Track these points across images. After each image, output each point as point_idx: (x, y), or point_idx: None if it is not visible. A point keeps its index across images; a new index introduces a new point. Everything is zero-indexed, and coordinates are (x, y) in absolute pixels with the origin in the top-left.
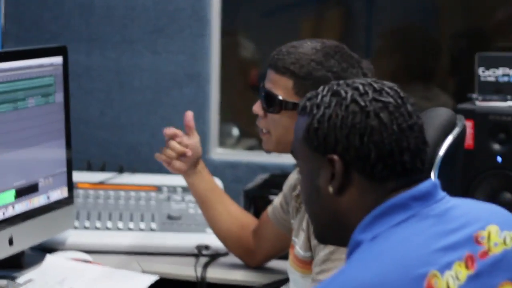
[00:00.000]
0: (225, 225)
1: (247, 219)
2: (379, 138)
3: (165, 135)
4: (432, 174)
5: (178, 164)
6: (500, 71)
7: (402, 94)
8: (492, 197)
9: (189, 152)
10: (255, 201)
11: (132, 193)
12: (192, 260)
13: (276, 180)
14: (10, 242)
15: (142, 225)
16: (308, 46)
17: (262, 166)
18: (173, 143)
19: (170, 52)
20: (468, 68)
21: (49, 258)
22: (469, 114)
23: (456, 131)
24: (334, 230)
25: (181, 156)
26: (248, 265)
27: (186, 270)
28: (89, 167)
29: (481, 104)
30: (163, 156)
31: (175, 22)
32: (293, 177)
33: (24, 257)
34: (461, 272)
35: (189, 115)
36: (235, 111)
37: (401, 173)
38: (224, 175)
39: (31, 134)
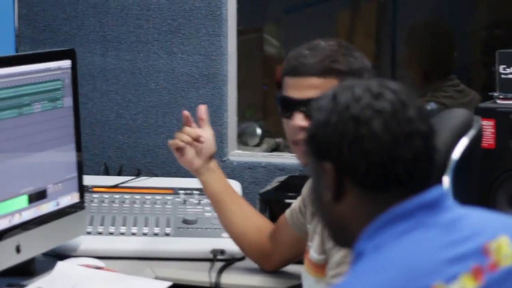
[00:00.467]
0: (239, 227)
1: (262, 222)
2: (369, 147)
3: (183, 116)
4: (446, 178)
5: (190, 155)
6: None
7: (405, 98)
8: None
9: (203, 139)
10: (271, 205)
11: (148, 197)
12: (207, 265)
13: (293, 182)
14: (18, 250)
15: (157, 230)
16: (326, 44)
17: (281, 168)
18: (187, 128)
19: (185, 53)
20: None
21: (60, 264)
22: (490, 113)
23: (471, 133)
24: (340, 234)
25: (195, 146)
26: (264, 270)
27: (200, 275)
28: (106, 170)
29: (502, 102)
30: (177, 140)
31: (191, 22)
32: None
33: (34, 264)
34: (469, 285)
35: (202, 108)
36: (259, 110)
37: (395, 183)
38: (242, 177)
39: (38, 140)
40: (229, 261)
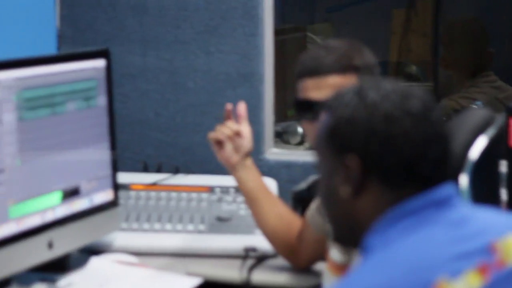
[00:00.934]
0: (271, 225)
1: (294, 221)
2: (400, 146)
3: (225, 109)
4: (463, 178)
5: (229, 149)
6: None
7: (429, 101)
8: None
9: (242, 134)
10: (303, 203)
11: (184, 194)
12: (239, 262)
13: None
14: (50, 246)
15: (190, 227)
16: (338, 43)
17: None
18: (229, 122)
19: (223, 52)
20: None
21: (94, 260)
22: None
23: (490, 132)
24: (349, 231)
25: (235, 136)
26: (294, 267)
27: (231, 272)
28: (145, 168)
29: None
30: (218, 133)
31: (228, 21)
32: None
33: (69, 259)
34: (474, 281)
35: (241, 105)
36: None
37: (419, 181)
38: (279, 175)
39: (71, 138)
40: (260, 259)
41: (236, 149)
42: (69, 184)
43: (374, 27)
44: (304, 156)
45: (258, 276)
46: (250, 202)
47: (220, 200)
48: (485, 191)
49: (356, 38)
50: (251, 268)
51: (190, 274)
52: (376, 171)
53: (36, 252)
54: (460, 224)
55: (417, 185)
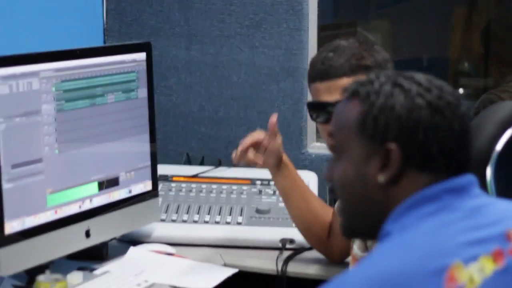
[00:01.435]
0: (306, 221)
1: (327, 214)
2: (443, 135)
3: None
4: (488, 170)
5: (263, 157)
6: None
7: (458, 95)
8: None
9: (259, 164)
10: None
11: (224, 187)
12: (275, 254)
13: None
14: (87, 234)
15: (229, 219)
16: (347, 43)
17: None
18: (250, 155)
19: (267, 47)
20: None
21: (132, 250)
22: None
23: None
24: (369, 221)
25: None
26: (328, 260)
27: (268, 263)
28: (188, 160)
29: None
30: (241, 160)
31: (272, 16)
32: None
33: (107, 248)
34: (488, 265)
35: (273, 120)
36: None
37: (455, 169)
38: (320, 169)
39: (111, 130)
40: (297, 251)
41: (268, 152)
42: (108, 174)
43: (431, 24)
44: None
45: (294, 267)
46: (285, 199)
47: (260, 192)
48: (509, 184)
49: (411, 34)
50: (287, 260)
51: (227, 264)
52: (417, 159)
53: (73, 240)
54: (477, 212)
55: (453, 173)
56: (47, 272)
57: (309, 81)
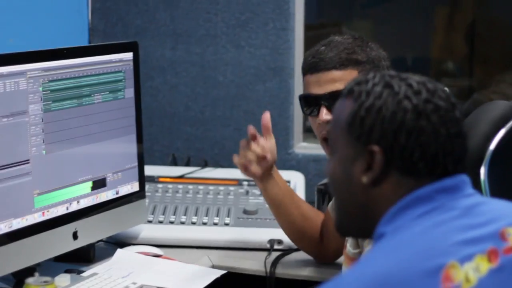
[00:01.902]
0: (298, 227)
1: (319, 218)
2: (426, 139)
3: (248, 132)
4: (482, 169)
5: (254, 167)
6: None
7: (452, 99)
8: None
9: (268, 155)
10: (328, 197)
11: (211, 187)
12: (264, 255)
13: None
14: (75, 236)
15: (216, 220)
16: (341, 38)
17: None
18: (255, 146)
19: (253, 46)
20: None
21: (119, 252)
22: None
23: (509, 124)
24: (358, 220)
25: (260, 159)
26: (320, 261)
27: (256, 264)
28: (174, 161)
29: None
30: (243, 159)
31: (258, 15)
32: None
33: (94, 251)
34: (483, 265)
35: (267, 116)
36: None
37: (439, 174)
38: (307, 169)
39: (98, 130)
40: (285, 251)
41: (259, 162)
42: (95, 175)
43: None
44: None
45: (282, 268)
46: (275, 208)
47: (247, 193)
48: (503, 183)
49: (394, 34)
50: (276, 261)
51: (215, 266)
52: (399, 163)
53: (61, 242)
54: (471, 211)
55: (436, 178)
56: (36, 274)
57: (302, 75)
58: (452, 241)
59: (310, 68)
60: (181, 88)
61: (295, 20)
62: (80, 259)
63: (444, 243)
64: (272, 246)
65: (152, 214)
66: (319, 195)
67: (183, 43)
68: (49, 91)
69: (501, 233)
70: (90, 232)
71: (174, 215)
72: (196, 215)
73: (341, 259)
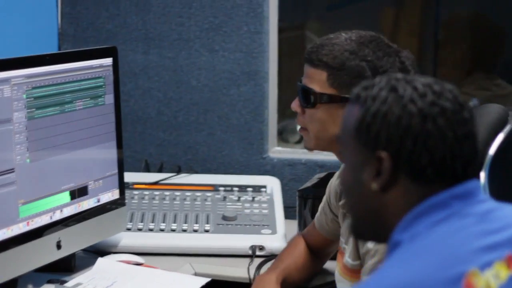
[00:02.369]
0: (304, 277)
1: (312, 258)
2: (433, 143)
3: None
4: (482, 174)
5: None
6: None
7: (460, 99)
8: None
9: None
10: (310, 201)
11: (188, 193)
12: (246, 261)
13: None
14: (58, 246)
15: (196, 226)
16: (342, 37)
17: (321, 165)
18: None
19: (227, 50)
20: None
21: (101, 261)
22: None
23: (507, 128)
24: (371, 225)
25: None
26: None
27: (239, 271)
28: (147, 167)
29: None
30: None
31: (232, 19)
32: (336, 183)
33: (75, 260)
34: (502, 271)
35: None
36: None
37: (449, 179)
38: (282, 173)
39: (80, 137)
40: (268, 257)
41: None
42: (77, 183)
43: (366, 26)
44: (307, 154)
45: None
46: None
47: (224, 199)
48: (503, 187)
49: None
50: (259, 267)
51: (197, 273)
52: (407, 168)
53: (45, 252)
54: (487, 217)
55: (446, 183)
56: (20, 286)
57: None
58: (471, 248)
59: (304, 56)
60: (153, 93)
61: (269, 24)
62: (61, 268)
63: (463, 250)
64: (254, 252)
65: (131, 221)
66: (301, 200)
67: (156, 47)
68: (32, 98)
69: None
70: (74, 241)
71: (152, 222)
72: (175, 222)
73: (325, 265)
